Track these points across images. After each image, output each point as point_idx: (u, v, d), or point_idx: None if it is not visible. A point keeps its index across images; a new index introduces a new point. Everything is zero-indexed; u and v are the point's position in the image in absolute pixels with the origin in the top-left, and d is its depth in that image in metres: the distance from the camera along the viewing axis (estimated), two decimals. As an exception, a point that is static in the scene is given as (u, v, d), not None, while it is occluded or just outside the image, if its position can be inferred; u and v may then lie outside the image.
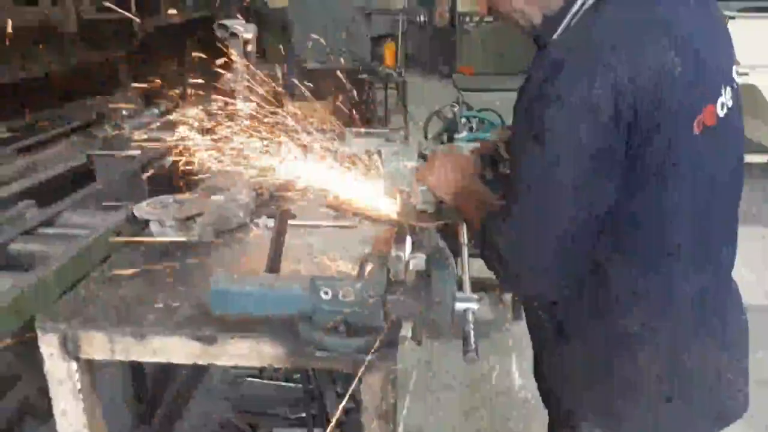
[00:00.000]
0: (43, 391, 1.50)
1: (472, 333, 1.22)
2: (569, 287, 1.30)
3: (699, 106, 1.19)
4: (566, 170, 1.15)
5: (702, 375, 1.32)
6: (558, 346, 1.39)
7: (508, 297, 3.99)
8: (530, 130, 1.18)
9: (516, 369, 3.40)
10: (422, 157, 1.87)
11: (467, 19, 13.07)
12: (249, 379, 2.49)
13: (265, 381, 2.48)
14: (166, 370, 2.74)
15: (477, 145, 1.78)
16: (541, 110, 1.15)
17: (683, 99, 1.15)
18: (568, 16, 1.24)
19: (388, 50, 7.49)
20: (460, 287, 1.34)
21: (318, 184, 1.66)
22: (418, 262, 1.32)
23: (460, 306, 1.29)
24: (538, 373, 1.53)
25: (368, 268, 1.31)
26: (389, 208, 1.56)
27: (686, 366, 1.30)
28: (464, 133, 6.02)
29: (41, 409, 1.76)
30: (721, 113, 1.22)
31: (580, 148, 1.13)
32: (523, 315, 3.88)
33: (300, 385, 2.45)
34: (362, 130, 3.08)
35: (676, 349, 1.29)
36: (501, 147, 1.66)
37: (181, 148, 2.08)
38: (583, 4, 1.22)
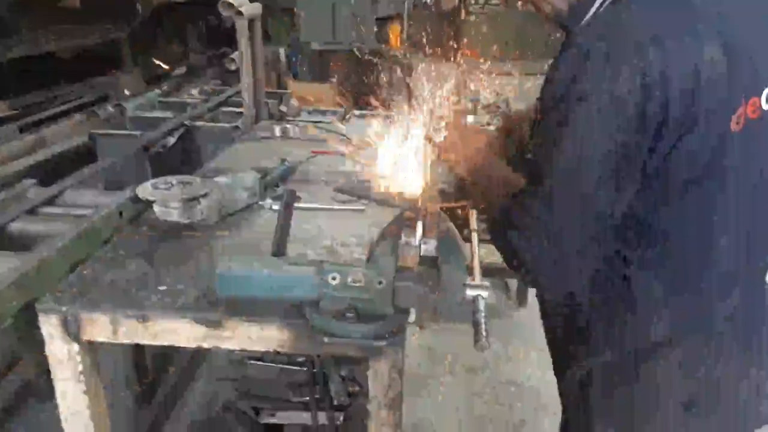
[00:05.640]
0: (45, 372, 1.48)
1: (483, 321, 1.20)
2: (593, 293, 1.26)
3: (738, 100, 1.13)
4: (593, 163, 1.11)
5: (734, 390, 1.28)
6: (580, 351, 1.36)
7: (513, 283, 3.98)
8: (559, 121, 1.13)
9: (520, 356, 3.39)
10: (428, 140, 1.82)
11: (472, 1, 12.95)
12: (252, 361, 2.47)
13: (268, 364, 2.46)
14: (168, 351, 2.73)
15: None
16: (568, 103, 1.10)
17: (721, 93, 1.09)
18: (597, 2, 1.19)
19: (393, 32, 7.41)
20: (470, 273, 1.32)
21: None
22: (428, 247, 1.29)
23: (470, 293, 1.26)
24: (558, 372, 1.50)
25: (377, 252, 1.28)
26: (407, 188, 1.52)
27: (716, 380, 1.26)
28: (470, 117, 5.96)
29: (43, 389, 1.74)
30: (767, 106, 1.16)
31: (607, 141, 1.09)
32: (527, 302, 3.86)
33: (304, 369, 2.44)
34: (365, 111, 3.04)
35: (705, 363, 1.25)
36: (528, 131, 1.60)
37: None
38: None
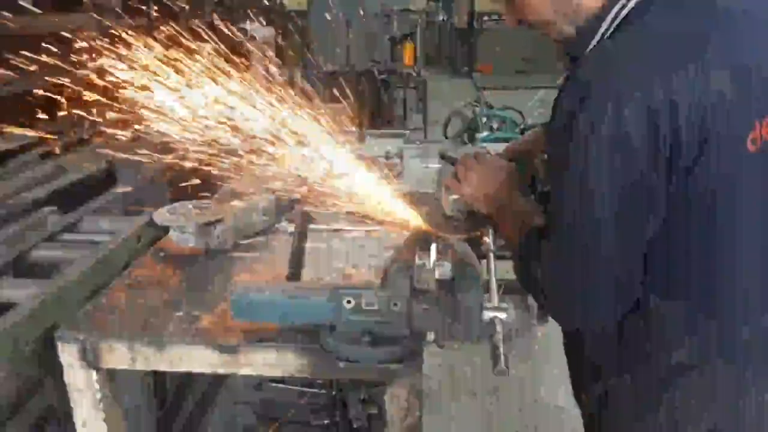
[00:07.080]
0: (66, 397, 1.48)
1: (501, 344, 1.18)
2: (613, 319, 1.23)
3: (752, 120, 1.08)
4: (603, 203, 1.08)
5: (759, 419, 1.22)
6: (598, 374, 1.33)
7: (532, 300, 3.93)
8: (564, 160, 1.11)
9: (542, 375, 3.34)
10: (443, 158, 1.82)
11: (486, 18, 13.01)
12: (272, 384, 2.47)
13: (287, 386, 2.45)
14: (188, 375, 2.72)
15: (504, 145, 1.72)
16: (571, 142, 1.08)
17: (733, 116, 1.05)
18: (603, 27, 1.15)
19: (408, 50, 7.45)
20: (487, 291, 1.30)
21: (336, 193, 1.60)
22: (443, 269, 1.28)
23: (487, 315, 1.24)
24: (577, 395, 1.47)
25: (392, 275, 1.27)
26: (414, 216, 1.51)
27: (744, 409, 1.20)
28: (485, 133, 5.96)
29: (64, 414, 1.75)
30: None
31: (615, 181, 1.06)
32: (547, 318, 3.81)
33: (323, 391, 2.43)
34: (381, 131, 3.06)
35: (731, 391, 1.20)
36: (539, 163, 1.59)
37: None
38: (617, 15, 1.13)
